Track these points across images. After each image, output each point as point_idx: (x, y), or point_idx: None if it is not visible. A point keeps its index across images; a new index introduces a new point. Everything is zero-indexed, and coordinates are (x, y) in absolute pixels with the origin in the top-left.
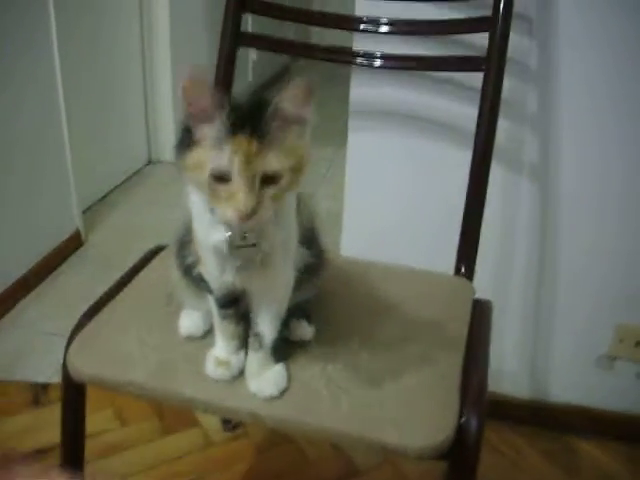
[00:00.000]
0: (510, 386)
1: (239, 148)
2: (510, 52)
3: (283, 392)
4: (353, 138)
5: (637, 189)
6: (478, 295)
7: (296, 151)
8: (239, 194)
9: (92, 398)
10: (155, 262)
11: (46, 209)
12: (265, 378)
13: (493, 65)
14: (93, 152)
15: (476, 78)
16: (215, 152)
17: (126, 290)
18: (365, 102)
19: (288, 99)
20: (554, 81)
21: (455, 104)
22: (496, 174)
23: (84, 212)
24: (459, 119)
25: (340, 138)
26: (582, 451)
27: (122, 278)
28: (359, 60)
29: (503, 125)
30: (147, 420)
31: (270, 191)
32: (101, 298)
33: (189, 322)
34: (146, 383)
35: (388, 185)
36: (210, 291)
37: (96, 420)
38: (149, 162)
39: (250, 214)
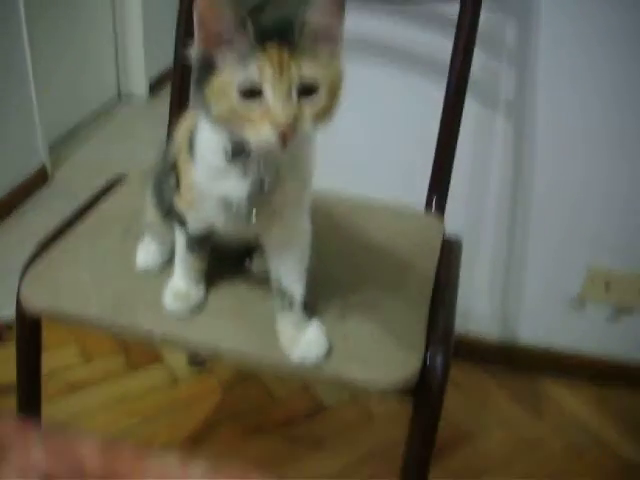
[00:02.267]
0: (480, 327)
1: (269, 56)
2: None
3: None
4: None
5: (612, 126)
6: (449, 232)
7: (331, 68)
8: (275, 106)
9: (55, 334)
10: (114, 193)
11: (10, 144)
12: (306, 342)
13: None
14: (59, 85)
15: (454, 9)
16: (242, 67)
17: (83, 221)
18: None
19: (317, 12)
20: (534, 14)
21: (432, 36)
22: (471, 108)
23: (50, 147)
24: (435, 51)
25: None
26: (550, 393)
27: (79, 209)
28: None
29: (480, 59)
30: (112, 356)
31: (309, 104)
32: (56, 229)
33: (147, 255)
34: (101, 316)
35: (360, 118)
36: (183, 223)
37: (59, 356)
38: (119, 96)
39: (291, 128)
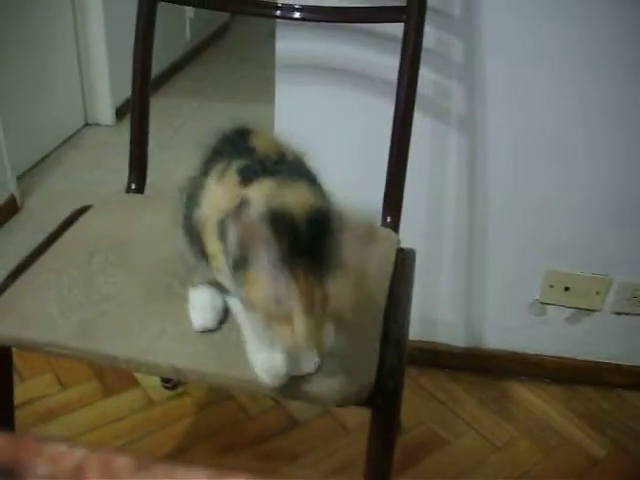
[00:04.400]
0: (446, 335)
1: (297, 277)
2: (433, 2)
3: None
4: (280, 91)
5: (564, 135)
6: (411, 246)
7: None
8: (297, 321)
9: (31, 364)
10: (79, 223)
11: None
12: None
13: (413, 15)
14: (25, 116)
15: (399, 28)
16: (272, 280)
17: (49, 251)
18: (290, 56)
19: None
20: (478, 31)
21: (378, 55)
22: (425, 125)
23: (19, 177)
24: (383, 70)
25: None
26: (517, 396)
27: (45, 240)
28: (279, 13)
29: (429, 76)
30: (87, 382)
31: (325, 315)
32: (24, 260)
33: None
34: (68, 343)
35: (314, 137)
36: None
37: (36, 385)
38: (86, 124)
39: (306, 342)
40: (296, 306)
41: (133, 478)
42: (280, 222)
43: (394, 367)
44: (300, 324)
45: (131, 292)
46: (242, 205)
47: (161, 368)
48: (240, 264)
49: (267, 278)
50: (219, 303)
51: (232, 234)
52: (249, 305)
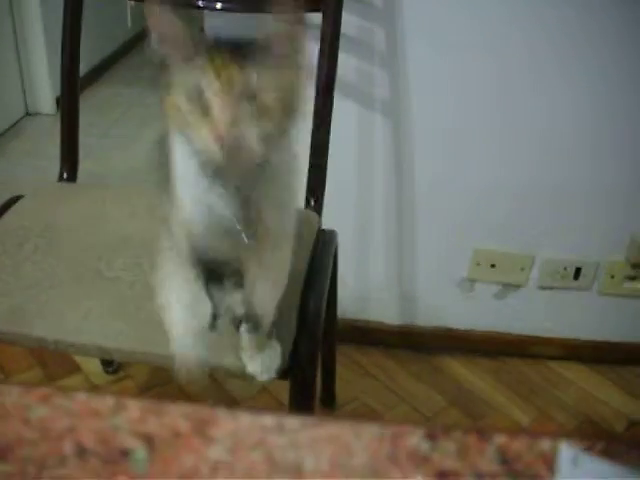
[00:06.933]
0: (379, 313)
1: (215, 63)
2: None
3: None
4: None
5: (486, 118)
6: (342, 229)
7: (284, 81)
8: (216, 112)
9: None
10: (11, 212)
11: None
12: (262, 359)
13: (331, 5)
14: None
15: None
16: (187, 70)
17: None
18: None
19: (274, 25)
20: (398, 18)
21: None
22: (351, 111)
23: None
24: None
25: None
26: (448, 369)
27: None
28: (202, 3)
29: (353, 63)
30: (30, 370)
31: (252, 109)
32: None
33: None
34: None
35: None
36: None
37: None
38: (26, 114)
39: (231, 136)
40: (213, 96)
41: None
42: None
43: (310, 341)
44: (219, 113)
45: (59, 277)
46: None
47: (88, 348)
48: (161, 68)
49: (183, 71)
50: (208, 307)
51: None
52: (170, 117)
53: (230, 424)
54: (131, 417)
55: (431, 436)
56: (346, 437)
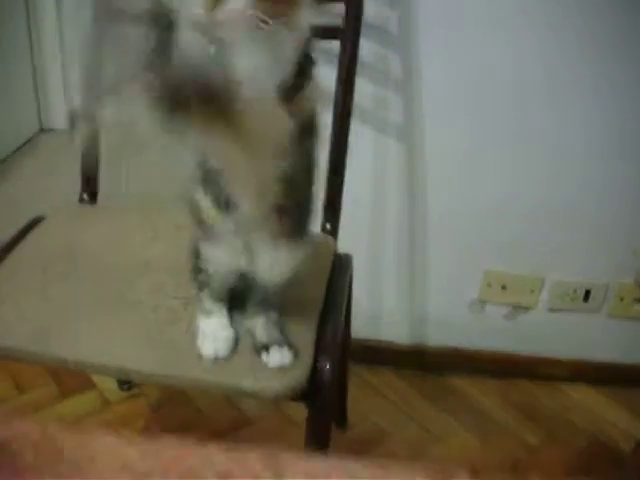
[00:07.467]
0: (391, 333)
1: None
2: (371, 19)
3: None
4: None
5: (497, 143)
6: (355, 251)
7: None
8: None
9: None
10: (33, 233)
11: None
12: (274, 350)
13: (349, 34)
14: None
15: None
16: None
17: (5, 262)
18: None
19: None
20: (413, 44)
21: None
22: (367, 136)
23: None
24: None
25: None
26: (459, 390)
27: (1, 251)
28: None
29: (368, 89)
30: (44, 386)
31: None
32: None
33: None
34: (21, 347)
35: None
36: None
37: None
38: (41, 130)
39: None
40: None
41: None
42: None
43: (328, 364)
44: None
45: (82, 300)
46: None
47: (107, 368)
48: None
49: None
50: (231, 333)
51: None
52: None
53: None
54: None
55: None
56: None
